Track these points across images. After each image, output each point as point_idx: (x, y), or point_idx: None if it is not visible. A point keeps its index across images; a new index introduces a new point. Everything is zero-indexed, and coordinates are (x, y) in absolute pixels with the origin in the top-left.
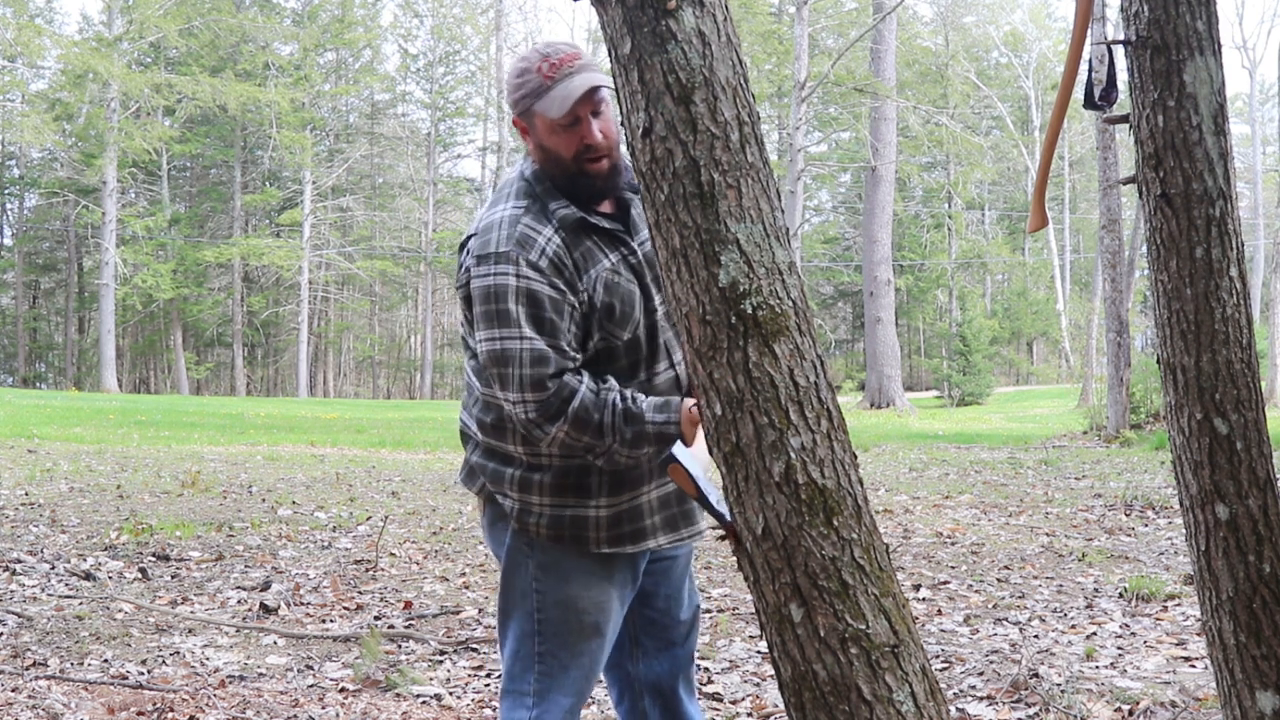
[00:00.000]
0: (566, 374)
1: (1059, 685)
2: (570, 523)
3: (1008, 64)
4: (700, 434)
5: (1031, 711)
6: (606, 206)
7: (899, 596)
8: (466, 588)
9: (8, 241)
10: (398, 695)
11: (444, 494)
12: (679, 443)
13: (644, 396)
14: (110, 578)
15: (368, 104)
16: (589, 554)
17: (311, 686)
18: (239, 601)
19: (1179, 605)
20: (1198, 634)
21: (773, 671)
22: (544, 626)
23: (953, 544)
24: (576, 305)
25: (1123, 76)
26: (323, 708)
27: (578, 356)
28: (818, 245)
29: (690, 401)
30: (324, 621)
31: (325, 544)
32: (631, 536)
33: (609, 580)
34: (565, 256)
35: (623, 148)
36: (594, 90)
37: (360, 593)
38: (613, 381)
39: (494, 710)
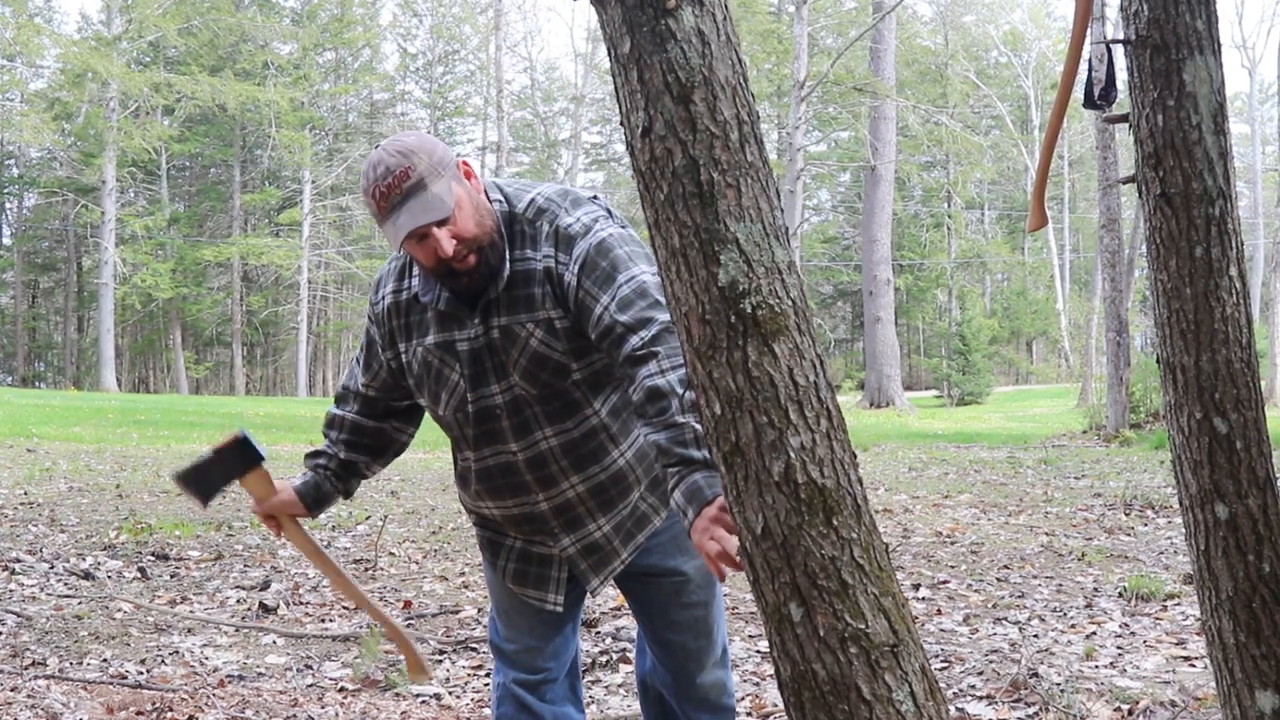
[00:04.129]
0: (350, 398)
1: (1058, 685)
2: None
3: (1007, 63)
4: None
5: (1031, 711)
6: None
7: (898, 596)
8: (466, 587)
9: (7, 241)
10: (397, 695)
11: (443, 493)
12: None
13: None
14: (109, 577)
15: (367, 103)
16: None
17: (311, 686)
18: (238, 601)
19: (1178, 605)
20: (1197, 633)
21: (772, 671)
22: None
23: (952, 543)
24: (384, 361)
25: (1122, 76)
26: (322, 707)
27: (377, 390)
28: (817, 245)
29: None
30: (323, 621)
31: (324, 543)
32: (496, 564)
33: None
34: (392, 318)
35: (496, 227)
36: (425, 223)
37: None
38: (338, 452)
39: None
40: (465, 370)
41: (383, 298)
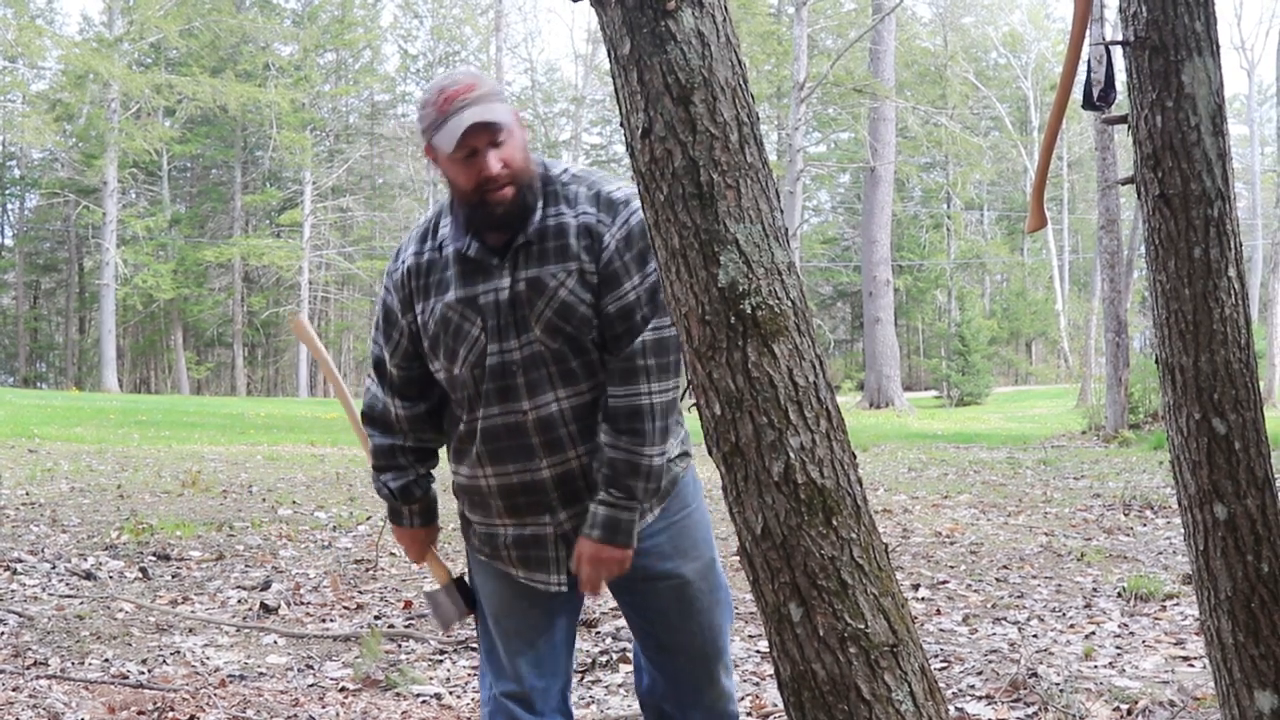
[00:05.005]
0: (383, 382)
1: (1058, 684)
2: (465, 522)
3: (1006, 64)
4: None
5: (1030, 711)
6: (497, 238)
7: (898, 596)
8: None
9: (9, 242)
10: (398, 694)
11: (444, 493)
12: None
13: (404, 480)
14: (111, 577)
15: (368, 104)
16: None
17: (312, 686)
18: (239, 601)
19: (1177, 605)
20: (1196, 633)
21: (772, 671)
22: (479, 611)
23: (951, 543)
24: (404, 327)
25: (1121, 77)
26: (323, 707)
27: (403, 366)
28: (817, 245)
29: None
30: (324, 621)
31: (325, 544)
32: (497, 559)
33: (507, 585)
34: (412, 279)
35: (536, 176)
36: (488, 123)
37: (360, 592)
38: (403, 440)
39: None
40: (486, 323)
41: (403, 262)
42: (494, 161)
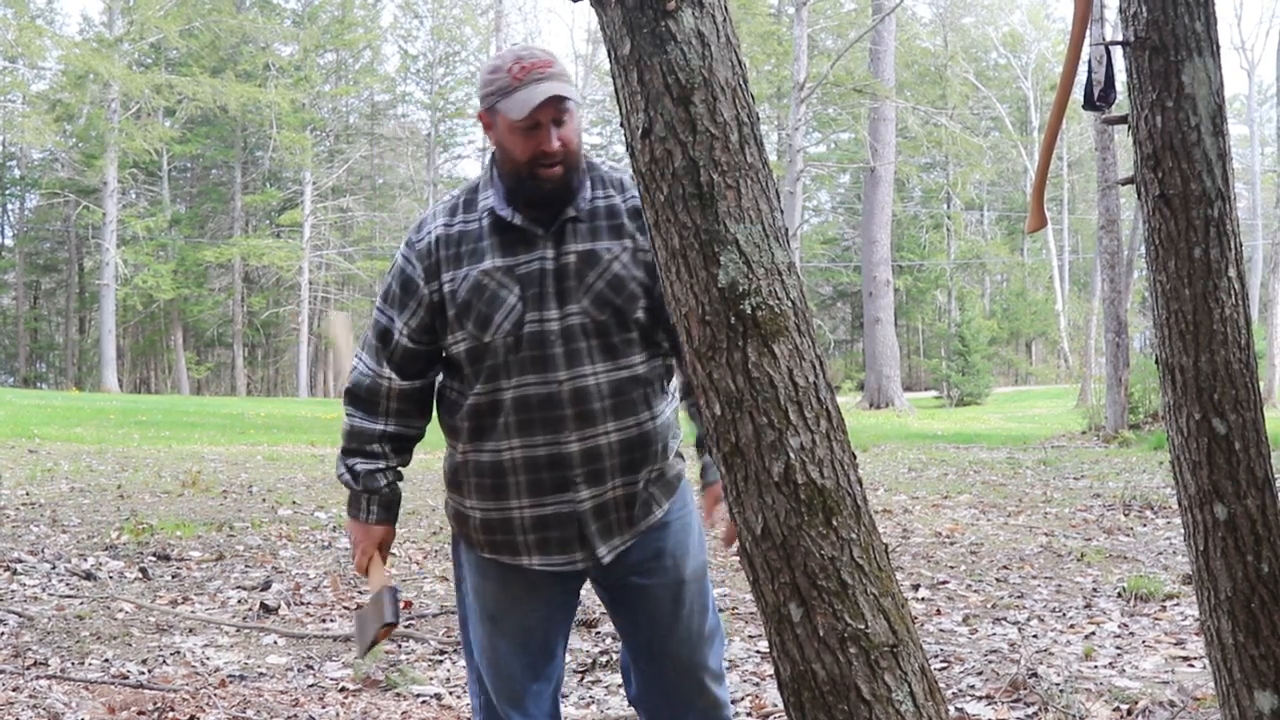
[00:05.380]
0: (382, 354)
1: (1058, 685)
2: (461, 518)
3: (1006, 65)
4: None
5: (1030, 711)
6: (538, 214)
7: (898, 596)
8: None
9: (9, 242)
10: (398, 695)
11: (443, 494)
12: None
13: (373, 467)
14: (111, 577)
15: (368, 104)
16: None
17: (312, 686)
18: (239, 601)
19: (1177, 605)
20: (1196, 633)
21: (772, 671)
22: (468, 612)
23: (951, 544)
24: (425, 295)
25: (1121, 77)
26: (323, 707)
27: (414, 338)
28: (817, 246)
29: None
30: (324, 621)
31: (325, 544)
32: (506, 548)
33: (505, 581)
34: (440, 248)
35: (584, 160)
36: (558, 99)
37: (360, 592)
38: (392, 426)
39: None
40: (525, 291)
41: (429, 233)
42: (554, 138)
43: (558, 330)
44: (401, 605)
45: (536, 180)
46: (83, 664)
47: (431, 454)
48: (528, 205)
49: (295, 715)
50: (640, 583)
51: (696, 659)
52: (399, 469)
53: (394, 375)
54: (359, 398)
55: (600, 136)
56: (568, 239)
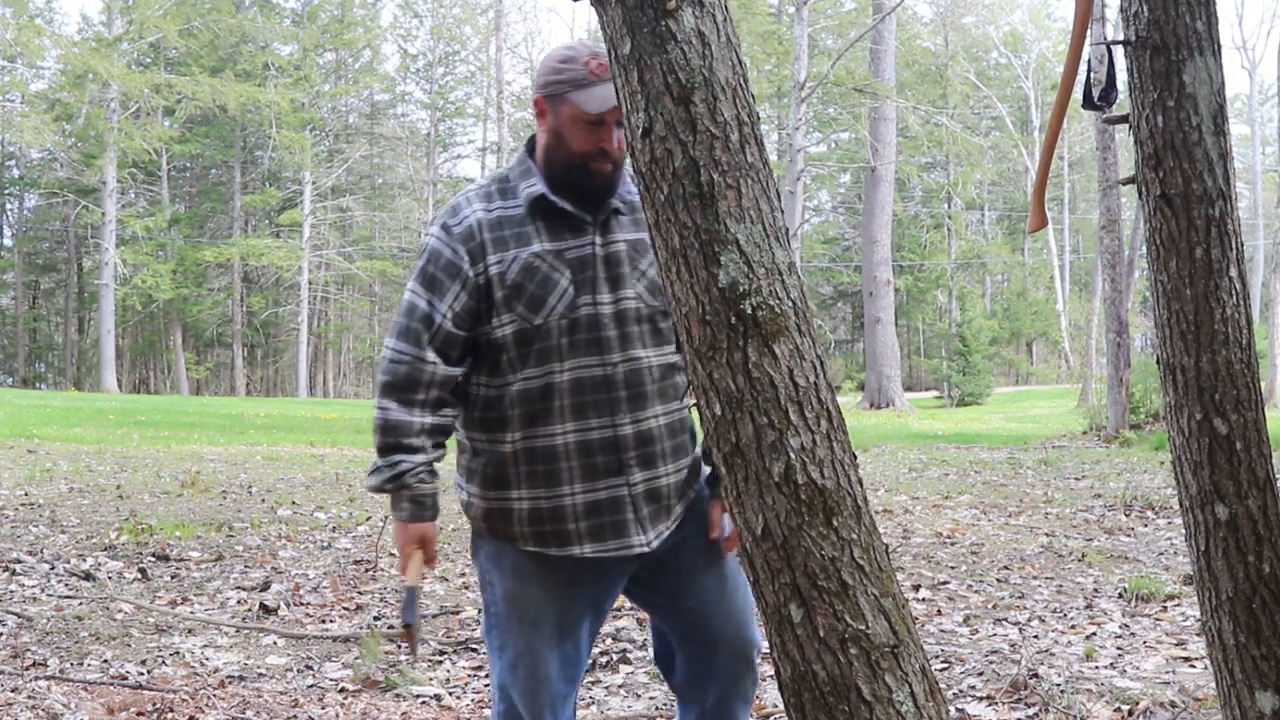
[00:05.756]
0: (422, 337)
1: (1058, 685)
2: (498, 515)
3: (1007, 64)
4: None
5: (1031, 712)
6: (581, 204)
7: (898, 597)
8: (466, 588)
9: (8, 242)
10: (397, 695)
11: (443, 494)
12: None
13: (418, 461)
14: (110, 578)
15: (367, 104)
16: (521, 550)
17: (311, 687)
18: (239, 602)
19: (1178, 605)
20: (1197, 634)
21: (772, 671)
22: (496, 620)
23: (952, 544)
24: (469, 277)
25: (1122, 77)
26: (322, 708)
27: (458, 322)
28: (817, 245)
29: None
30: (324, 621)
31: (325, 544)
32: (555, 538)
33: (546, 579)
34: (482, 230)
35: (627, 163)
36: None
37: (360, 593)
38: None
39: None
40: (576, 275)
41: (467, 216)
42: (615, 139)
43: (611, 314)
44: (418, 606)
45: (589, 173)
46: (82, 665)
47: None
48: (574, 195)
49: (295, 716)
50: (688, 562)
51: (745, 634)
52: (434, 463)
53: (438, 360)
54: (396, 386)
55: None
56: (614, 228)
